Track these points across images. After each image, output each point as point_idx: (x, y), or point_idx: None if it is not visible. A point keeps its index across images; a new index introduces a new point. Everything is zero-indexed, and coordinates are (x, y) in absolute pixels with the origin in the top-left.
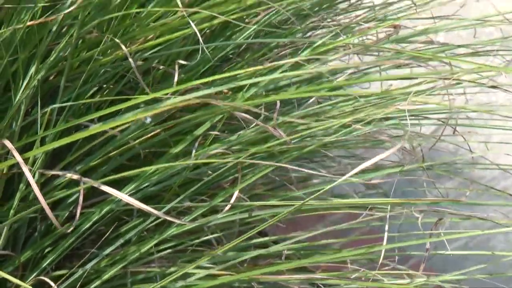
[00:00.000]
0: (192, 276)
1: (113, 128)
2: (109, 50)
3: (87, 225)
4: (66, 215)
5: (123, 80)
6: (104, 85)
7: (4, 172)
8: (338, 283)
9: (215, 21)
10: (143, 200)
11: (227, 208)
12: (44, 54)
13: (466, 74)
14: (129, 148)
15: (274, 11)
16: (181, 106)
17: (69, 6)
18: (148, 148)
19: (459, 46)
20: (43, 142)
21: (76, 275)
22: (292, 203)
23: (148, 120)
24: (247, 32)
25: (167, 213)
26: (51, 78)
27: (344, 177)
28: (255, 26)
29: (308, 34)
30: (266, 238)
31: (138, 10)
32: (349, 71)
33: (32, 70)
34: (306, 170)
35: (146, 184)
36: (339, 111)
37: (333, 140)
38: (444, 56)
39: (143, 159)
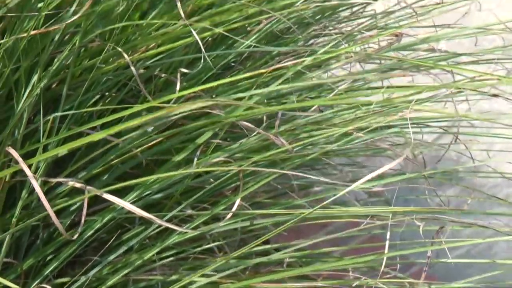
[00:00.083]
0: (193, 284)
1: (116, 134)
2: (111, 59)
3: (90, 233)
4: (68, 223)
5: (125, 88)
6: (106, 93)
7: (7, 180)
8: None
9: (217, 30)
10: (145, 208)
11: (229, 216)
12: (47, 63)
13: (468, 82)
14: (131, 156)
15: (276, 20)
16: (184, 111)
17: (72, 15)
18: (150, 156)
19: (461, 54)
20: (45, 150)
21: (78, 283)
22: (294, 211)
23: (150, 128)
24: (249, 41)
25: (169, 221)
26: (53, 86)
27: (349, 188)
28: (257, 35)
29: (310, 42)
30: (267, 246)
31: (139, 22)
32: (351, 79)
33: (35, 78)
34: (311, 176)
35: (148, 192)
36: (340, 119)
37: (335, 149)
38: (446, 65)
39: (145, 167)
